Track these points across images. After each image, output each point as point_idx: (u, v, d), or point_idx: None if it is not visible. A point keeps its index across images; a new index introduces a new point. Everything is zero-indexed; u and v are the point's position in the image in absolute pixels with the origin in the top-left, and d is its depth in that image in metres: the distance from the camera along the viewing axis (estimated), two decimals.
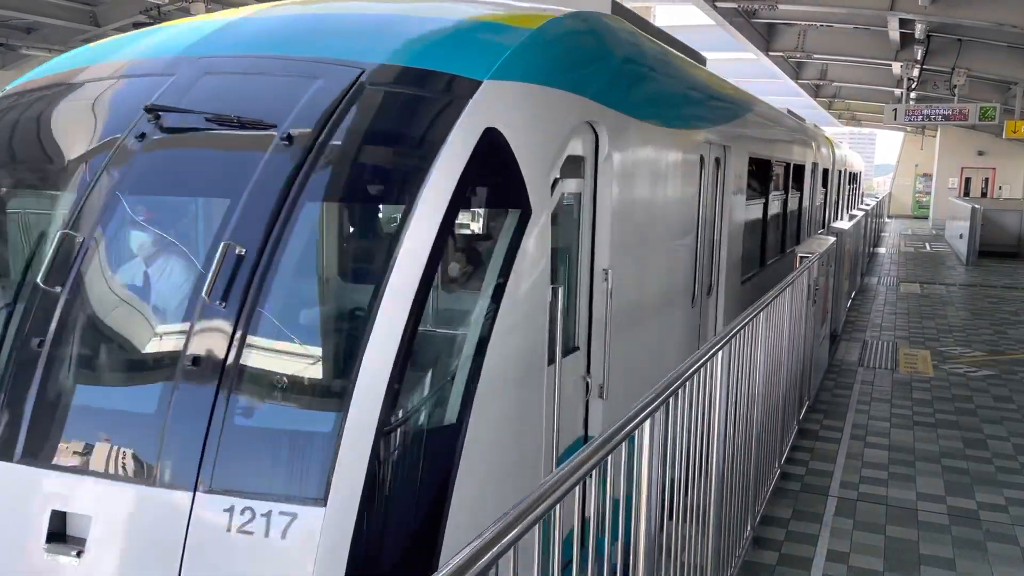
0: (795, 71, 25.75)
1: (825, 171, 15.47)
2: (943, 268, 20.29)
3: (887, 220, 35.91)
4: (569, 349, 3.92)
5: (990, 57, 19.81)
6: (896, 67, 21.92)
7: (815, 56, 22.32)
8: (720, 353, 3.62)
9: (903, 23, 17.40)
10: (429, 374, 3.07)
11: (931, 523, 5.51)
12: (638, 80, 4.86)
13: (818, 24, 19.66)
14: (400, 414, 2.86)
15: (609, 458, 2.37)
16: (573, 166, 3.88)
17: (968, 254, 21.08)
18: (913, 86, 22.78)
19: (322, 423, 2.81)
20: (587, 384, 4.13)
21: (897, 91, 24.86)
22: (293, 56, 3.46)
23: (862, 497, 5.92)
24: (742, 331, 4.06)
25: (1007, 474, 6.41)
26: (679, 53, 6.35)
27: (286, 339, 2.94)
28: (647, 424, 2.66)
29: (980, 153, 35.05)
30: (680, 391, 3.02)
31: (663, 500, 3.01)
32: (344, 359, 2.94)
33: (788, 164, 10.87)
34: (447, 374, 3.08)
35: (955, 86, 20.63)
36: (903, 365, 9.90)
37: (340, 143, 3.11)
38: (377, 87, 3.25)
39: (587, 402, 4.15)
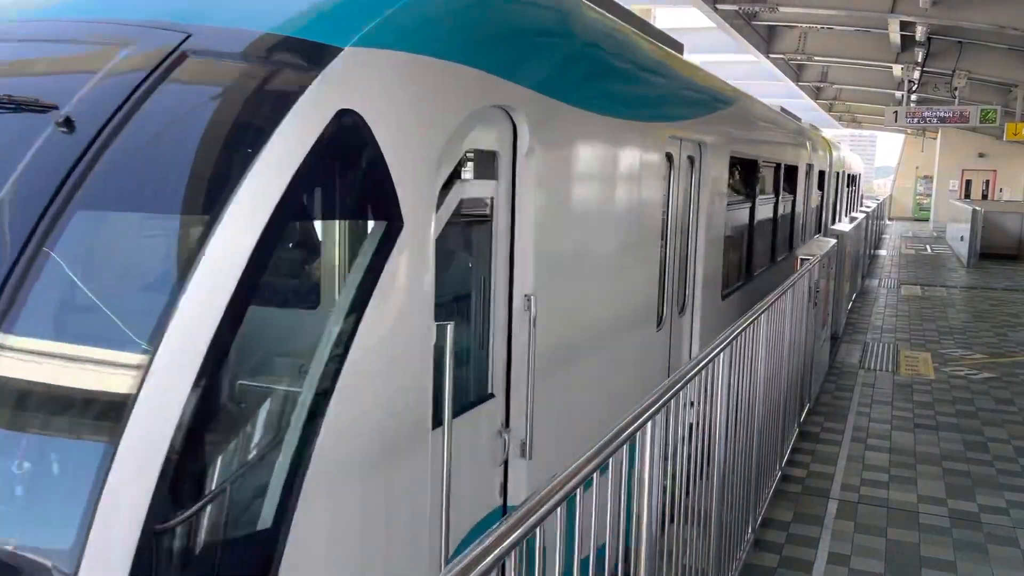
0: (796, 73, 25.77)
1: (821, 173, 14.74)
2: (944, 270, 20.29)
3: (888, 222, 35.92)
4: (477, 399, 3.16)
5: (991, 59, 19.83)
6: (897, 69, 21.94)
7: (816, 58, 22.34)
8: (722, 355, 3.62)
9: (904, 25, 17.41)
10: (233, 453, 2.17)
11: (932, 526, 5.50)
12: (577, 59, 3.91)
13: (819, 26, 19.68)
14: (181, 515, 1.97)
15: (610, 461, 2.37)
16: (482, 164, 3.18)
17: (969, 256, 21.09)
18: (914, 88, 22.81)
19: (61, 529, 1.92)
20: (505, 441, 3.29)
21: (898, 93, 24.92)
22: (103, 19, 2.69)
23: (863, 499, 5.92)
24: (743, 333, 4.06)
25: (1008, 476, 6.41)
26: (642, 34, 5.33)
27: (32, 396, 2.14)
28: (648, 426, 2.66)
29: (981, 155, 35.11)
30: (682, 393, 3.02)
31: (664, 502, 3.01)
32: (104, 429, 2.02)
33: (778, 165, 9.99)
34: (263, 452, 2.19)
35: (956, 88, 20.66)
36: (904, 367, 9.90)
37: (136, 130, 2.31)
38: (202, 57, 2.46)
39: (506, 462, 3.33)
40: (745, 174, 8.30)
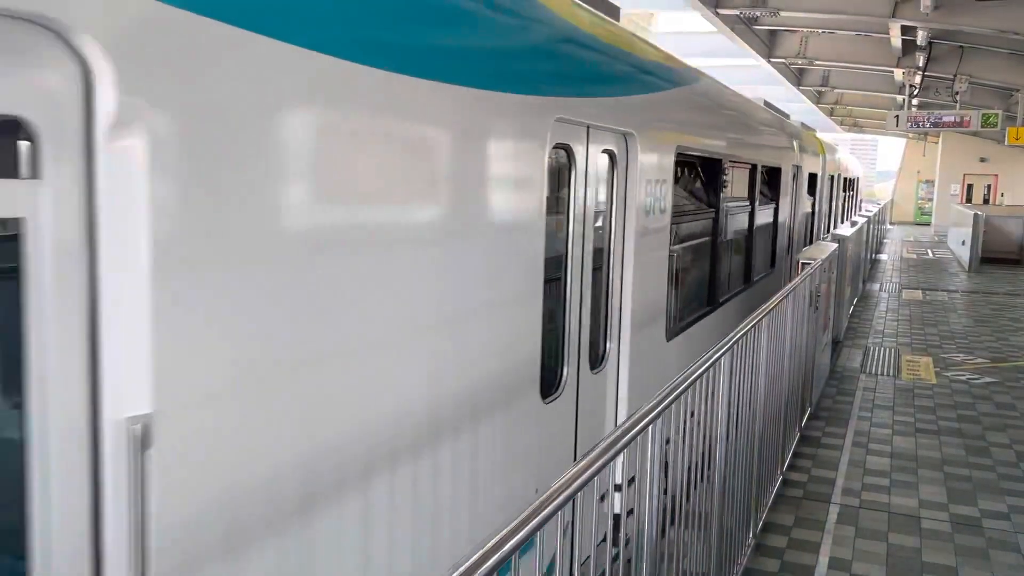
0: (797, 77, 25.81)
1: (812, 176, 13.28)
2: (945, 275, 20.27)
3: (889, 227, 35.93)
4: None
5: (992, 64, 19.87)
6: (898, 73, 21.97)
7: (817, 62, 22.38)
8: (723, 359, 3.62)
9: (905, 30, 17.45)
10: None
11: (933, 531, 5.49)
12: None
13: (820, 30, 19.72)
14: None
15: (609, 467, 2.37)
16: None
17: (970, 261, 21.09)
18: (915, 92, 22.84)
19: None
20: None
21: (899, 97, 24.97)
22: None
23: (864, 504, 5.91)
24: (744, 338, 4.06)
25: (1010, 481, 6.40)
26: None
27: None
28: (650, 430, 2.66)
29: (982, 160, 35.16)
30: (683, 397, 3.01)
31: (665, 506, 3.01)
32: None
33: (754, 166, 8.45)
34: None
35: (957, 92, 20.69)
36: (905, 372, 9.89)
37: None
38: None
39: None
40: (706, 176, 6.74)
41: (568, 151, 3.90)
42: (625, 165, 4.62)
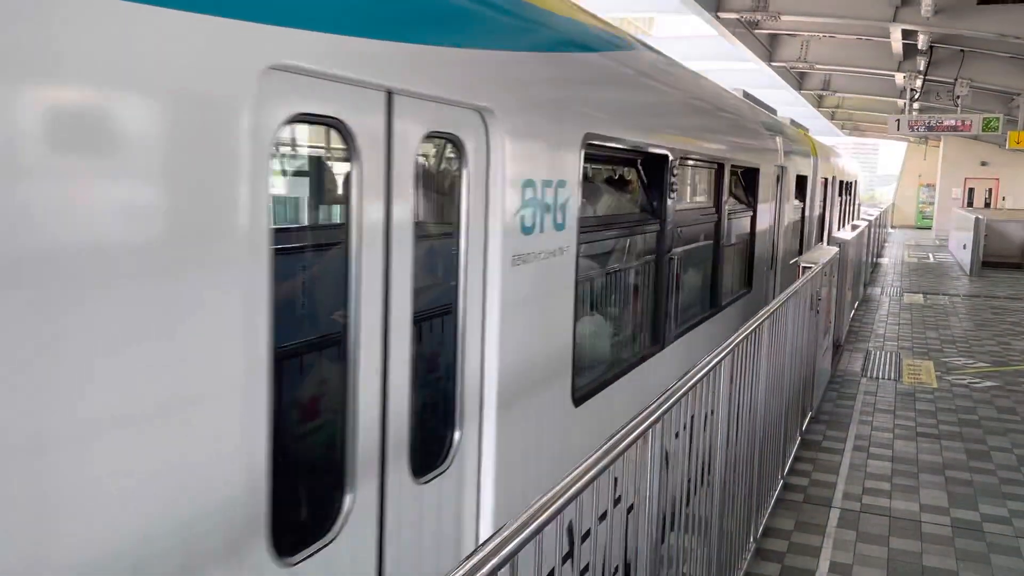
0: (798, 81, 25.86)
1: (802, 179, 11.54)
2: (947, 279, 20.26)
3: (890, 231, 35.92)
4: None
5: (993, 68, 19.90)
6: (899, 78, 22.00)
7: (817, 66, 22.42)
8: (723, 363, 3.61)
9: (906, 34, 17.47)
10: None
11: (934, 535, 5.48)
12: None
13: (820, 34, 19.75)
14: None
15: (610, 468, 2.36)
16: None
17: (971, 265, 21.08)
18: (916, 96, 22.86)
19: None
20: None
21: (900, 101, 24.99)
22: None
23: (865, 508, 5.90)
24: (745, 341, 4.05)
25: (1011, 486, 6.39)
26: None
27: None
28: (650, 434, 2.66)
29: (983, 164, 35.18)
30: (683, 401, 3.01)
31: (664, 510, 3.00)
32: None
33: (722, 165, 6.70)
34: None
35: (958, 97, 20.70)
36: (906, 376, 9.88)
37: None
38: None
39: None
40: (646, 177, 5.11)
41: (345, 132, 2.33)
42: (484, 159, 2.98)
